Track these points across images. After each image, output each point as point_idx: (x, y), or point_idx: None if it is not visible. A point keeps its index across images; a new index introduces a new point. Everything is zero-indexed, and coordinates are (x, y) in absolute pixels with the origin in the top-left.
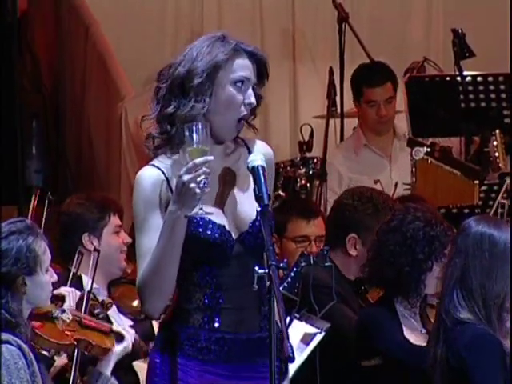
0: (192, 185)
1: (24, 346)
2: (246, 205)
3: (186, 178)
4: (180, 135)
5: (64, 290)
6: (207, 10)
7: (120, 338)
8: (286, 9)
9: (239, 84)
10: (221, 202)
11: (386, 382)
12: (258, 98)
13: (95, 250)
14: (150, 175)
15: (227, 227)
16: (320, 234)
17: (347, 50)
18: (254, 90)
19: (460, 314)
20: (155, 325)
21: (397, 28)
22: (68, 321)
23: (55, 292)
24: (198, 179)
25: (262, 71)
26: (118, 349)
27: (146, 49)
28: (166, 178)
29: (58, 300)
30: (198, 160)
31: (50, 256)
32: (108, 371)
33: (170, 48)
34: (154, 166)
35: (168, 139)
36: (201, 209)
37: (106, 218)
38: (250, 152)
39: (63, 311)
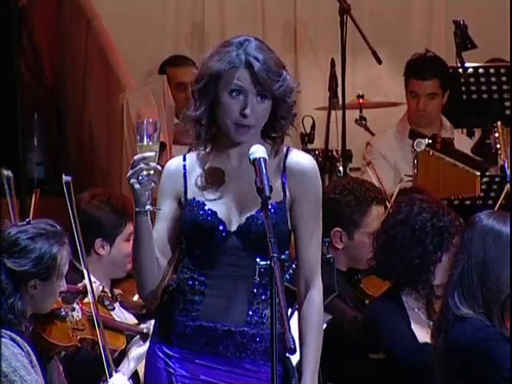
0: (131, 180)
1: (18, 338)
2: (252, 203)
3: (128, 174)
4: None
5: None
6: (208, 2)
7: (145, 338)
8: (287, 0)
9: (235, 94)
10: (228, 196)
11: (392, 375)
12: (285, 104)
13: None
14: (171, 164)
15: (223, 216)
16: None
17: (349, 41)
18: (274, 100)
19: (460, 311)
20: None
21: (399, 19)
22: (78, 319)
23: (79, 284)
24: (142, 174)
25: (262, 82)
26: (140, 350)
27: (147, 41)
28: (185, 171)
29: (82, 293)
30: (137, 157)
31: (67, 267)
32: (125, 373)
33: (172, 41)
34: (183, 156)
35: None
36: (148, 204)
37: (122, 226)
38: (284, 163)
39: (73, 309)
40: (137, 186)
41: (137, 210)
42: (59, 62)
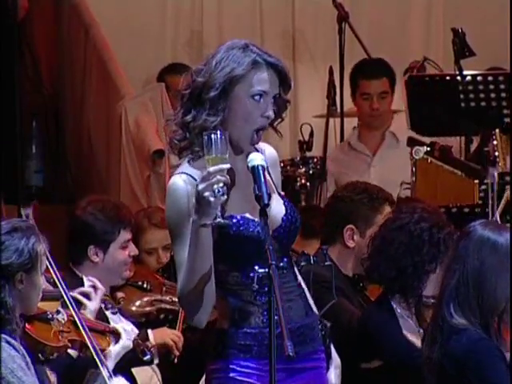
0: (206, 193)
1: (13, 341)
2: (273, 202)
3: (200, 186)
4: (200, 142)
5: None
6: (207, 11)
7: (117, 337)
8: (285, 8)
9: (257, 97)
10: (250, 205)
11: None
12: (285, 102)
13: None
14: (182, 185)
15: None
16: None
17: (347, 49)
18: (276, 98)
19: (456, 321)
20: (150, 335)
21: (397, 27)
22: (63, 322)
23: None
24: (214, 187)
25: (283, 80)
26: (117, 348)
27: (146, 49)
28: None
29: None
30: (213, 168)
31: (46, 261)
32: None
33: (170, 49)
34: (186, 173)
35: (189, 145)
36: (219, 217)
37: (115, 234)
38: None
39: (58, 312)
40: (212, 198)
41: (206, 223)
42: (58, 70)
